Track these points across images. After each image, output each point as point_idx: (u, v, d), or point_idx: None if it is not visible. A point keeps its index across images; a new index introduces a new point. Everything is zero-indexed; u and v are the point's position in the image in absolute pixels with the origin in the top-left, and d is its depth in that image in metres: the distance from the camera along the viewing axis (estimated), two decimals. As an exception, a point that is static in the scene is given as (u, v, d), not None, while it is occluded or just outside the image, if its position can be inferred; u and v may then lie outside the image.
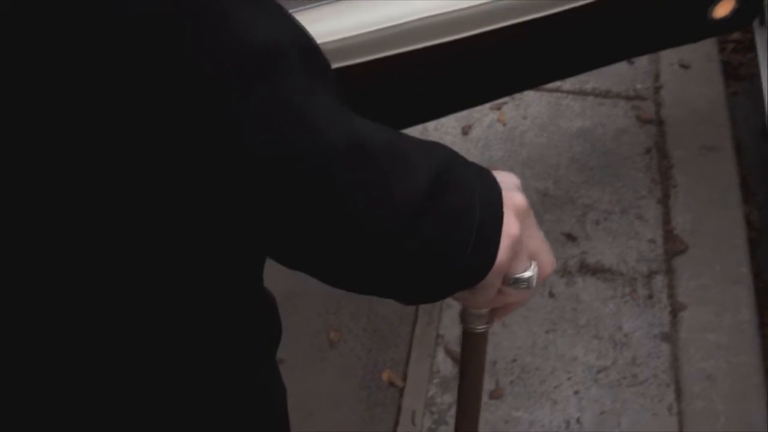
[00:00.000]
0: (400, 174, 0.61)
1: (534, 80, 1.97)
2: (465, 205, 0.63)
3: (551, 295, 2.11)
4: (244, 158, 0.56)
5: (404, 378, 1.99)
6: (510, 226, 0.65)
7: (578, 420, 1.89)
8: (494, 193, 0.65)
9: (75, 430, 0.84)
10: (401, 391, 1.97)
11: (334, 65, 1.55)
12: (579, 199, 2.33)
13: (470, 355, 0.85)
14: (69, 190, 0.61)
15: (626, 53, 2.08)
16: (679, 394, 1.93)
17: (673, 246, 2.21)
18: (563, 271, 2.16)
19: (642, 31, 1.88)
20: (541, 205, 2.31)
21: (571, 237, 2.24)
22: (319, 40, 1.51)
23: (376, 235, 0.61)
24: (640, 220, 2.28)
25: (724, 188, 2.34)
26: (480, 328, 0.80)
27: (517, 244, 0.65)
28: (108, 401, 0.82)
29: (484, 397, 1.93)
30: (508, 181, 0.68)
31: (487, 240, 0.64)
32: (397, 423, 1.92)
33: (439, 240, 0.62)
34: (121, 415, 0.84)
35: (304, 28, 0.60)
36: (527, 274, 0.68)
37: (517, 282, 0.68)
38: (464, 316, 0.80)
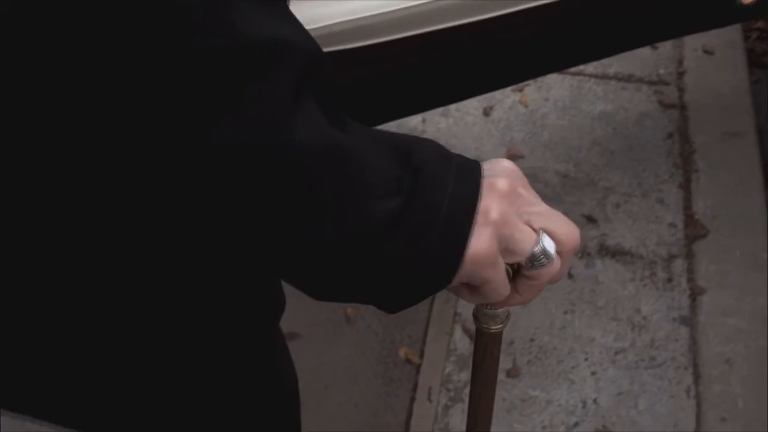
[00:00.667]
0: (368, 183, 0.60)
1: (558, 64, 1.95)
2: (432, 206, 0.61)
3: (570, 276, 2.11)
4: (209, 148, 0.55)
5: (421, 355, 1.99)
6: (489, 215, 0.62)
7: (595, 400, 1.89)
8: (469, 188, 0.63)
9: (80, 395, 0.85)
10: (418, 367, 1.97)
11: (353, 45, 1.52)
12: (600, 182, 2.32)
13: (483, 355, 0.82)
14: (56, 186, 0.63)
15: (652, 37, 2.06)
16: (697, 377, 1.92)
17: (693, 230, 2.20)
18: (582, 253, 2.15)
19: (669, 14, 1.86)
20: (562, 187, 2.31)
21: (591, 219, 2.23)
22: (342, 19, 1.48)
23: (340, 239, 0.60)
24: (660, 204, 2.27)
25: (746, 174, 2.33)
26: (494, 327, 0.77)
27: (504, 229, 0.63)
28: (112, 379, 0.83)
29: (501, 375, 1.93)
30: (494, 168, 0.66)
31: (453, 234, 0.62)
32: (413, 399, 1.92)
33: (403, 243, 0.61)
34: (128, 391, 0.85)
35: (308, 32, 0.60)
36: (538, 248, 0.65)
37: (533, 259, 0.65)
38: (477, 315, 0.77)
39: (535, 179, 2.33)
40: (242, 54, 0.54)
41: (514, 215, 0.64)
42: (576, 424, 1.85)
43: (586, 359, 1.96)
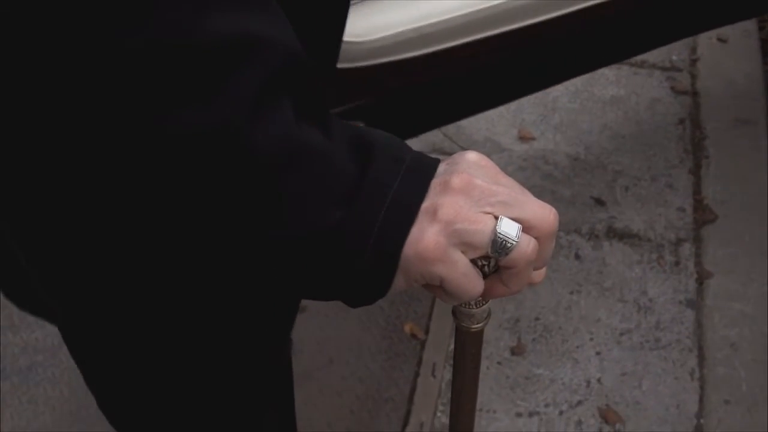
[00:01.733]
0: (325, 187, 0.60)
1: (606, 60, 1.89)
2: (372, 211, 0.61)
3: (577, 257, 2.11)
4: (167, 138, 0.55)
5: (426, 331, 2.00)
6: (436, 213, 0.62)
7: (599, 380, 1.89)
8: (412, 190, 0.63)
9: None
10: (423, 343, 1.98)
11: (414, 53, 1.46)
12: (610, 165, 2.32)
13: (462, 354, 0.79)
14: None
15: (688, 31, 2.00)
16: (701, 359, 1.92)
17: (702, 215, 2.20)
18: (590, 234, 2.15)
19: (705, 7, 1.83)
20: (572, 169, 2.30)
21: (600, 201, 2.23)
22: (404, 27, 1.41)
23: (291, 239, 0.60)
24: (670, 189, 2.27)
25: (757, 161, 2.33)
26: (474, 327, 0.74)
27: (456, 224, 0.62)
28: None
29: (506, 353, 1.94)
30: (456, 163, 0.65)
31: (388, 238, 0.61)
32: (417, 374, 1.92)
33: (344, 247, 0.61)
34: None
35: (288, 29, 0.59)
36: (496, 235, 0.63)
37: (496, 247, 0.63)
38: (455, 313, 0.74)
39: (545, 161, 2.33)
40: (210, 49, 0.54)
41: (469, 209, 0.62)
42: (579, 402, 1.86)
43: (591, 339, 1.96)
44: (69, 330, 0.89)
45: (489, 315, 0.74)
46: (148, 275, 0.76)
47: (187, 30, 0.53)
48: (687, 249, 2.14)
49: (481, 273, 0.65)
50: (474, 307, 0.72)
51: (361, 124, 1.33)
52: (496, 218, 0.63)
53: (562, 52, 1.67)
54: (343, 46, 1.32)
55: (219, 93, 0.54)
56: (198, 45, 0.53)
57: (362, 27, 1.38)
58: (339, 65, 1.32)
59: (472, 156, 0.65)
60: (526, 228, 0.64)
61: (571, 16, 1.55)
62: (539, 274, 0.70)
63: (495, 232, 0.62)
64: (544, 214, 0.65)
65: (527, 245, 0.64)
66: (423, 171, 0.64)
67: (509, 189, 0.64)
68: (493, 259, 0.65)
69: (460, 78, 1.55)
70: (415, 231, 0.62)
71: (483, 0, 1.47)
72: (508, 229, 0.63)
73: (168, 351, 0.87)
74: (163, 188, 0.58)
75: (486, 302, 0.72)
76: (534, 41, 1.55)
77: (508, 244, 0.63)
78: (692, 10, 1.82)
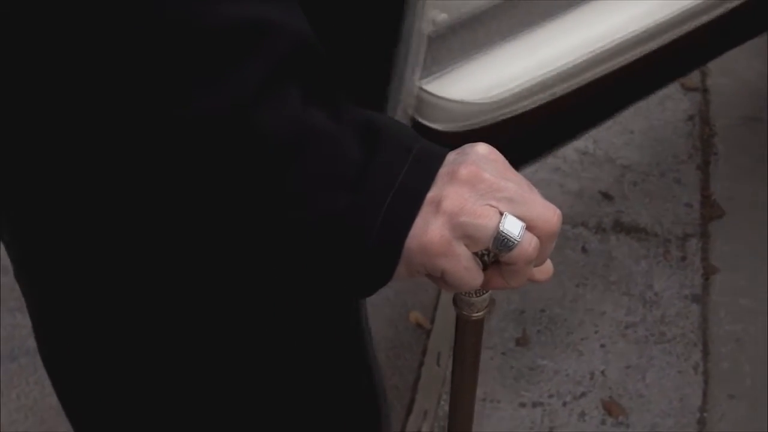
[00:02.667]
0: (330, 173, 0.60)
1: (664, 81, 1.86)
2: (376, 201, 0.61)
3: (584, 250, 2.12)
4: (176, 122, 0.56)
5: (432, 321, 2.00)
6: (441, 204, 0.61)
7: (603, 372, 1.90)
8: (418, 181, 0.62)
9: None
10: (428, 333, 1.98)
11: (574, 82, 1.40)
12: (618, 160, 2.33)
13: (461, 342, 0.79)
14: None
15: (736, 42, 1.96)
16: (706, 354, 1.92)
17: (709, 211, 2.20)
18: (597, 228, 2.15)
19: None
20: (580, 163, 2.31)
21: (607, 196, 2.23)
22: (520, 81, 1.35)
23: (296, 224, 0.61)
24: (678, 184, 2.28)
25: (765, 158, 2.32)
26: (474, 315, 0.74)
27: (461, 217, 0.61)
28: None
29: (511, 344, 1.94)
30: (465, 154, 0.64)
31: (391, 228, 0.61)
32: (422, 363, 1.93)
33: (347, 236, 0.61)
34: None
35: (300, 14, 0.59)
36: (499, 232, 0.62)
37: (497, 243, 0.63)
38: (456, 300, 0.74)
39: (553, 155, 2.33)
40: (219, 35, 0.54)
41: (474, 202, 0.62)
42: (583, 394, 1.86)
43: (596, 332, 1.97)
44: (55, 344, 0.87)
45: (489, 304, 0.74)
46: (150, 270, 0.76)
47: (196, 16, 0.53)
48: (694, 244, 2.14)
49: (480, 263, 0.65)
50: (474, 296, 0.72)
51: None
52: (501, 214, 0.62)
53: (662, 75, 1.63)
54: (460, 108, 1.27)
55: (226, 78, 0.55)
56: (207, 30, 0.54)
57: (478, 85, 1.28)
58: (453, 128, 1.26)
59: (482, 148, 0.64)
60: (529, 227, 0.63)
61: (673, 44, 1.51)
62: (544, 273, 0.70)
63: (498, 229, 0.62)
64: (548, 214, 0.64)
65: (529, 244, 0.63)
66: (430, 160, 0.63)
67: (516, 185, 0.64)
68: (493, 252, 0.65)
69: (571, 115, 1.51)
70: (419, 223, 0.62)
71: (596, 41, 1.42)
72: (512, 227, 0.62)
73: (167, 361, 0.83)
74: (168, 171, 0.59)
75: (487, 291, 0.72)
76: (644, 69, 1.51)
77: (510, 243, 0.62)
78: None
